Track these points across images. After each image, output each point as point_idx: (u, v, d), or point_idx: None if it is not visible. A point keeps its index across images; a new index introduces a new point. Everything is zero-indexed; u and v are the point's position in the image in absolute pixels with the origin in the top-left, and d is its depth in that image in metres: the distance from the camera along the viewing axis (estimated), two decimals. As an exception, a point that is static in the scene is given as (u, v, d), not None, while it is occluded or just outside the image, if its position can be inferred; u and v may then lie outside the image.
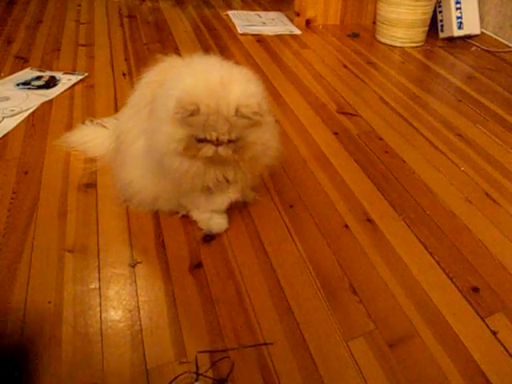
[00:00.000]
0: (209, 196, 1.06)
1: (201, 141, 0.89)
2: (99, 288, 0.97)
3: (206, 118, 0.86)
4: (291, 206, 1.20)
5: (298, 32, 2.34)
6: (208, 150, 0.90)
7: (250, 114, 0.87)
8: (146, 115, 1.02)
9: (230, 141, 0.89)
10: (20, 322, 0.89)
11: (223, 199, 1.07)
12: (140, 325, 0.90)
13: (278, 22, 2.46)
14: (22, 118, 1.54)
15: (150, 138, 0.99)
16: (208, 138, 0.88)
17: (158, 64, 1.05)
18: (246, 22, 2.43)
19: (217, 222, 1.10)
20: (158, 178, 1.04)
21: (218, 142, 0.89)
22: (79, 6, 2.60)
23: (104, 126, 1.38)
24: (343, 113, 1.63)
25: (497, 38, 2.29)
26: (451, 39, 2.28)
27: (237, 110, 0.86)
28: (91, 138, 1.36)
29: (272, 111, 1.02)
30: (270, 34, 2.31)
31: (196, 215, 1.11)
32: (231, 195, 1.06)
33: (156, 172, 1.02)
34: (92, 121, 1.43)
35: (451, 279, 1.01)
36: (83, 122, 1.45)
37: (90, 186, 1.24)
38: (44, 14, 2.48)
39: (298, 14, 2.41)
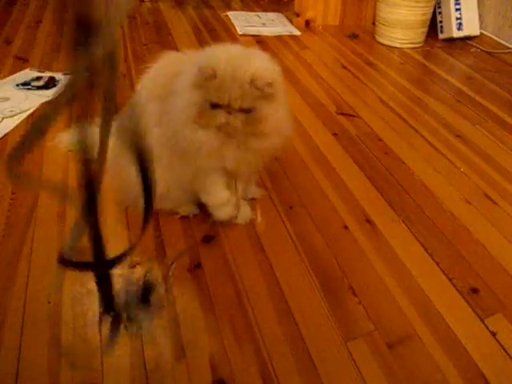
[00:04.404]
0: (221, 184, 1.06)
1: (214, 106, 0.91)
2: (98, 289, 0.97)
3: (221, 82, 0.89)
4: (291, 207, 1.20)
5: (297, 33, 2.35)
6: (220, 117, 0.91)
7: (264, 85, 0.89)
8: (154, 107, 1.02)
9: (241, 110, 0.91)
10: (19, 323, 0.89)
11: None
12: (139, 325, 0.90)
13: (278, 23, 2.46)
14: (22, 119, 1.54)
15: (167, 112, 0.99)
16: (220, 102, 0.90)
17: (164, 57, 1.05)
18: (245, 22, 2.43)
19: (226, 211, 1.10)
20: (172, 166, 1.03)
21: (229, 109, 0.91)
22: (79, 6, 2.60)
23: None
24: (342, 114, 1.63)
25: (496, 39, 2.30)
26: (450, 40, 2.29)
27: (252, 80, 0.89)
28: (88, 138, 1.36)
29: (287, 95, 1.03)
30: (270, 34, 2.31)
31: (208, 200, 1.09)
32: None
33: (170, 157, 1.02)
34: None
35: (450, 280, 1.01)
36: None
37: (89, 186, 1.24)
38: (44, 14, 2.48)
39: (297, 15, 2.41)
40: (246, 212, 1.15)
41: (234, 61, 0.91)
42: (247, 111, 0.92)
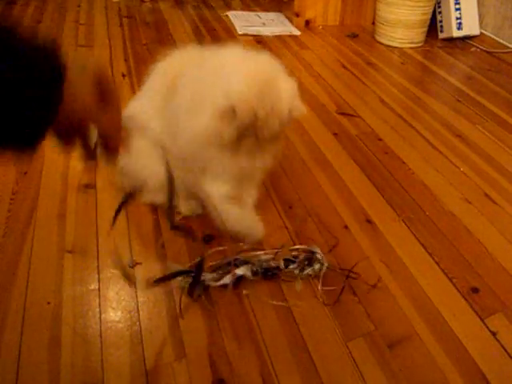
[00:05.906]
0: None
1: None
2: (99, 289, 0.97)
3: (263, 123, 0.87)
4: (290, 207, 1.20)
5: (297, 33, 2.35)
6: (252, 145, 0.91)
7: (299, 114, 0.92)
8: (163, 101, 1.01)
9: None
10: (19, 323, 0.89)
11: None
12: (139, 325, 0.90)
13: (278, 23, 2.46)
14: (22, 119, 1.53)
15: (175, 125, 0.97)
16: (259, 136, 0.90)
17: (174, 54, 1.06)
18: (245, 22, 2.43)
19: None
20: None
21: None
22: (79, 6, 2.60)
23: None
24: (343, 113, 1.63)
25: (496, 38, 2.29)
26: (450, 40, 2.29)
27: (289, 112, 0.90)
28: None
29: None
30: (270, 34, 2.31)
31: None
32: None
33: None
34: None
35: (450, 280, 1.01)
36: None
37: (89, 186, 1.24)
38: (43, 14, 2.48)
39: (297, 15, 2.41)
40: (258, 227, 1.08)
41: (267, 93, 0.86)
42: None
